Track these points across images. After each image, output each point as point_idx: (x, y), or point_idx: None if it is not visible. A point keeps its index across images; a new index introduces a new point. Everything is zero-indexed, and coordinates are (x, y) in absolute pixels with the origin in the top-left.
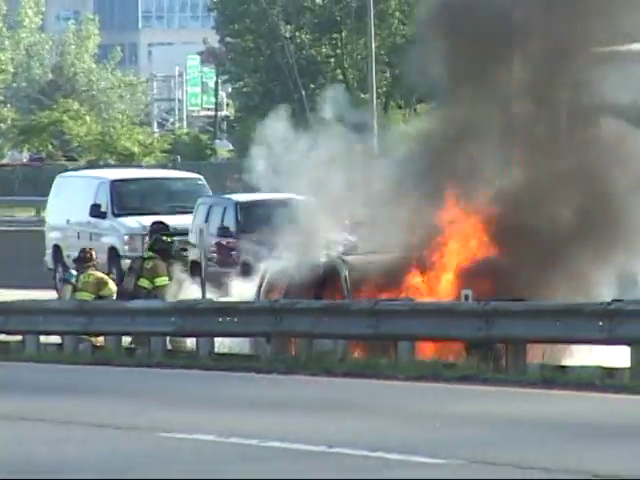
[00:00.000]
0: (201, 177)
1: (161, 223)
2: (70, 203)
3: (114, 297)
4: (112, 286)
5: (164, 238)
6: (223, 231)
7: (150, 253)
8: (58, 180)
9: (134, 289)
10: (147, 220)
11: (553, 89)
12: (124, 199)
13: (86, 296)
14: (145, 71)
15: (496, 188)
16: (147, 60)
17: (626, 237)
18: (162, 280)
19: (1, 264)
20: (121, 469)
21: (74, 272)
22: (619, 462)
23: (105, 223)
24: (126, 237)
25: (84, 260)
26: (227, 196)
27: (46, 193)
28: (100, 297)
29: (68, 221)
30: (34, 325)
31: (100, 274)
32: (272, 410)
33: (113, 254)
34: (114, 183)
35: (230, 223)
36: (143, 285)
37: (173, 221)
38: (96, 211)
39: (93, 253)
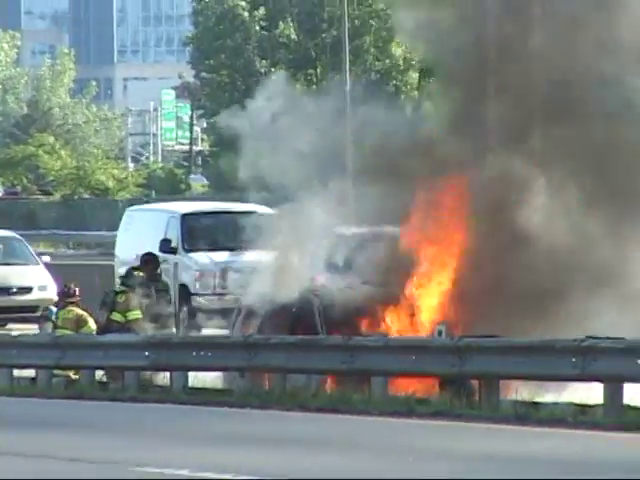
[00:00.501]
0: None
1: (151, 254)
2: (140, 237)
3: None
4: (92, 324)
5: (135, 272)
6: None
7: (122, 287)
8: (127, 214)
9: (107, 323)
10: (218, 256)
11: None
12: (195, 234)
13: (66, 333)
14: (120, 105)
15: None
16: (122, 94)
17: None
18: (134, 314)
19: None
20: None
21: (54, 309)
22: None
23: (175, 259)
24: (197, 274)
25: (66, 295)
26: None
27: (21, 226)
28: None
29: (137, 256)
30: (7, 359)
31: (80, 311)
32: (246, 445)
33: (184, 292)
34: (185, 217)
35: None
36: (115, 319)
37: (246, 257)
38: (166, 246)
39: (76, 289)
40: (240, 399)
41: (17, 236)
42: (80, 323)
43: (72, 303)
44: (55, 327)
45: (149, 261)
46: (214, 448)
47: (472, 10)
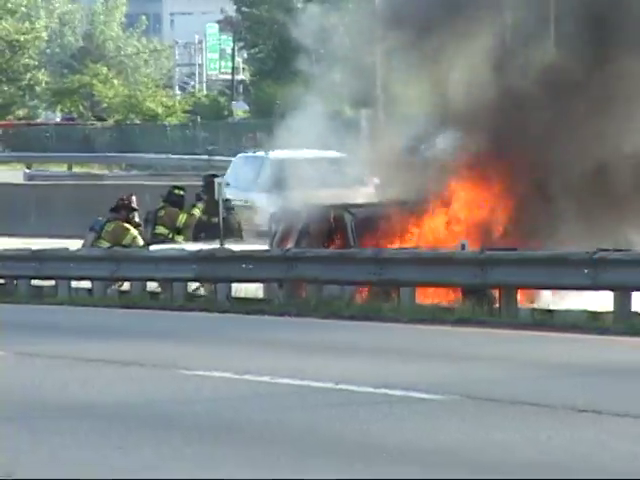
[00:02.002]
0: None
1: (213, 175)
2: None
3: (139, 244)
4: (133, 232)
5: (176, 190)
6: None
7: (162, 203)
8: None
9: (152, 238)
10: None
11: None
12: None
13: (104, 244)
14: (168, 38)
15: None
16: (170, 28)
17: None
18: (180, 219)
19: (53, 215)
20: (146, 404)
21: (101, 219)
22: (600, 397)
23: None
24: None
25: (116, 209)
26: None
27: (77, 150)
28: (124, 246)
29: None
30: (66, 271)
31: (122, 224)
32: (283, 350)
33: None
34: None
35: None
36: (160, 232)
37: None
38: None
39: (127, 202)
40: (279, 308)
41: None
42: (118, 234)
43: (116, 218)
44: (98, 237)
45: (211, 182)
46: (254, 353)
47: None
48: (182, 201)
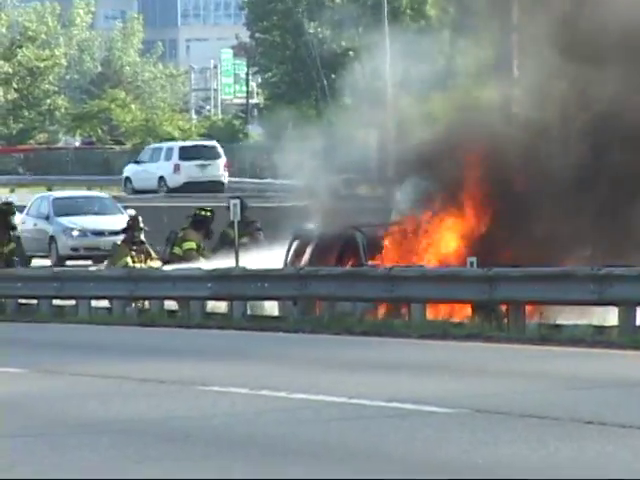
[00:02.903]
0: None
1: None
2: None
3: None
4: (127, 260)
5: (202, 212)
6: None
7: (186, 224)
8: None
9: (170, 257)
10: None
11: None
12: None
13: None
14: (184, 64)
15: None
16: (186, 54)
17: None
18: (188, 244)
19: None
20: (164, 419)
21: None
22: (606, 409)
23: None
24: None
25: (124, 230)
26: None
27: (95, 173)
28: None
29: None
30: (86, 291)
31: (125, 247)
32: (298, 365)
33: None
34: None
35: None
36: (175, 252)
37: None
38: None
39: (138, 219)
40: (293, 325)
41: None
42: (114, 257)
43: (123, 239)
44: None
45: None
46: (270, 369)
47: None
48: (207, 222)
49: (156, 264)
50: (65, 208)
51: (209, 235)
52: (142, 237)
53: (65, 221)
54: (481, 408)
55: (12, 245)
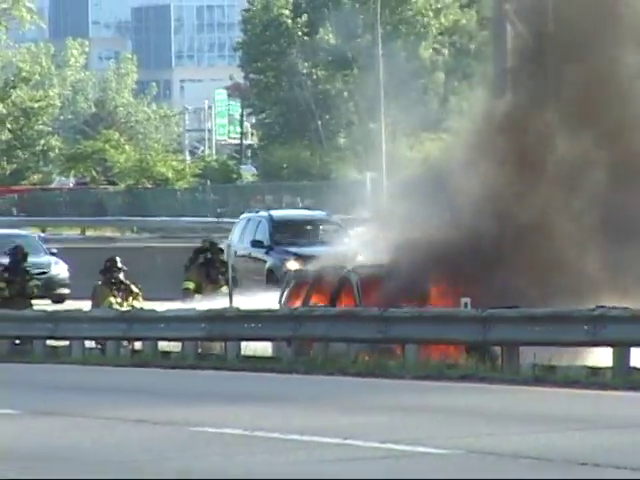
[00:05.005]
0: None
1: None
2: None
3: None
4: (111, 300)
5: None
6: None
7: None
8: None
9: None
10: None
11: None
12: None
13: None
14: (178, 104)
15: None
16: (179, 94)
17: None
18: (185, 284)
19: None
20: (158, 460)
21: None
22: (600, 450)
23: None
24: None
25: (102, 272)
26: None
27: (90, 214)
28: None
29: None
30: (79, 332)
31: (104, 287)
32: (292, 406)
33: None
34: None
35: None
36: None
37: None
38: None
39: (116, 259)
40: (287, 366)
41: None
42: (96, 299)
43: (102, 280)
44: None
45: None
46: (265, 409)
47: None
48: (208, 257)
49: (140, 303)
50: None
51: (210, 272)
52: (122, 277)
53: None
54: (475, 449)
55: (34, 282)
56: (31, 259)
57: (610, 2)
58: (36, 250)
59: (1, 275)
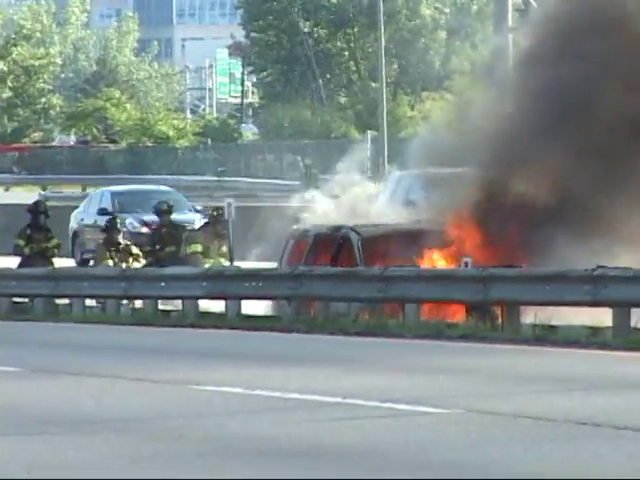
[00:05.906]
0: None
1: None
2: None
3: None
4: (108, 262)
5: (212, 212)
6: None
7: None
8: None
9: (185, 257)
10: None
11: None
12: None
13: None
14: (179, 63)
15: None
16: (181, 53)
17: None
18: (193, 247)
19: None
20: (158, 418)
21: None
22: (600, 411)
23: None
24: None
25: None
26: None
27: (91, 172)
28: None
29: None
30: (80, 290)
31: (106, 248)
32: (292, 365)
33: None
34: None
35: None
36: (187, 252)
37: None
38: None
39: (117, 221)
40: (288, 325)
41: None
42: (95, 260)
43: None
44: None
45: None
46: (265, 368)
47: None
48: (216, 222)
49: (139, 264)
50: None
51: (219, 235)
52: (120, 239)
53: None
54: (475, 408)
55: (55, 241)
56: (175, 216)
57: None
58: (181, 207)
59: (24, 232)
